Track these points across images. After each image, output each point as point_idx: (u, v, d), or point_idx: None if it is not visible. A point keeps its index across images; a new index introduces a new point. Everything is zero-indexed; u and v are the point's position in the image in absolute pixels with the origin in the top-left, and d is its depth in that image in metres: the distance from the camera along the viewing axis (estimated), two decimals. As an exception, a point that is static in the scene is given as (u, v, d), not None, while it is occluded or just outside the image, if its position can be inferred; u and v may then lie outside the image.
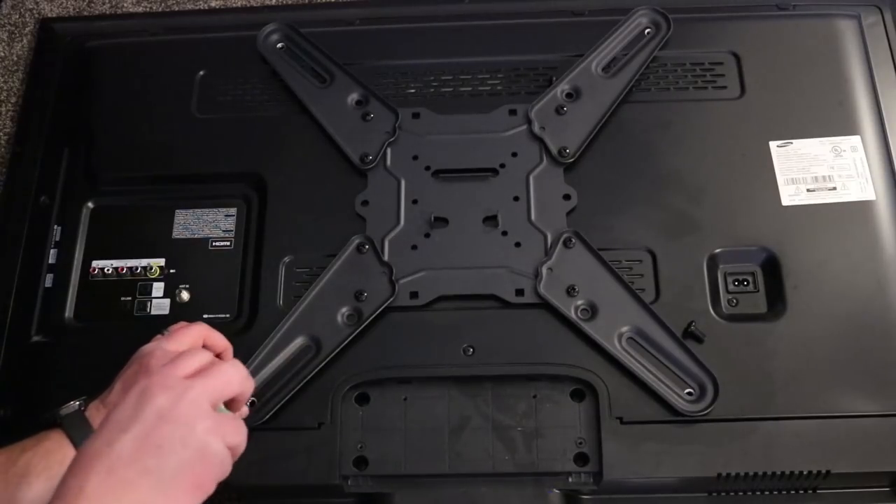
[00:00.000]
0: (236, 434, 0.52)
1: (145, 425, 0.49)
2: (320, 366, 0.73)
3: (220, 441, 0.50)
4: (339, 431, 0.71)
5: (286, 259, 0.79)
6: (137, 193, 0.85)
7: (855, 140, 0.82)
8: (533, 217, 0.79)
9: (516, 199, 0.80)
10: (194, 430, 0.50)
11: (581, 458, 0.70)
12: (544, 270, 0.76)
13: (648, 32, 0.88)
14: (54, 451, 0.58)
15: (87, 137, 0.88)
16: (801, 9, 0.90)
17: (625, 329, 0.74)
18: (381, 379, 0.73)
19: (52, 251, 0.82)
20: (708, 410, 0.70)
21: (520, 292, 0.76)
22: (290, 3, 1.01)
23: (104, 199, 0.84)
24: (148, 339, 0.62)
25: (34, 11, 1.02)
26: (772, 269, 0.77)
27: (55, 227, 0.83)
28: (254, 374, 0.72)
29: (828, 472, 0.68)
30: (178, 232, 0.82)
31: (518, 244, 0.78)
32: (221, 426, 0.51)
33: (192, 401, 0.51)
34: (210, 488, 0.50)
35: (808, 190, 0.80)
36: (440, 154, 0.83)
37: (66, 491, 0.45)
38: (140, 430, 0.49)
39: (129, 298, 0.79)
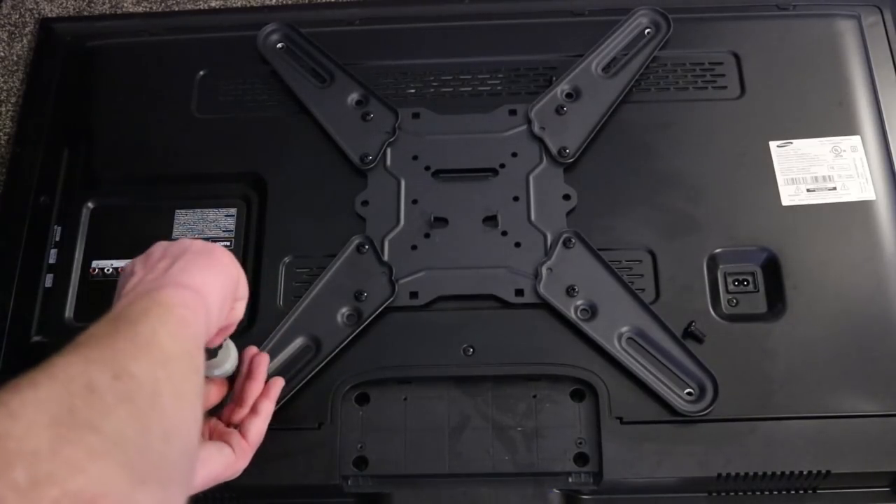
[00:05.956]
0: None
1: (154, 254, 0.56)
2: (320, 366, 0.73)
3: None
4: (339, 431, 0.71)
5: (286, 259, 0.79)
6: (137, 193, 0.85)
7: (855, 140, 0.82)
8: (533, 217, 0.79)
9: (516, 199, 0.80)
10: (186, 240, 0.57)
11: (581, 458, 0.70)
12: (544, 270, 0.76)
13: (648, 32, 0.88)
14: None
15: (87, 137, 0.88)
16: (801, 9, 0.90)
17: (625, 329, 0.74)
18: (381, 379, 0.73)
19: (52, 251, 0.82)
20: (708, 410, 0.70)
21: (519, 292, 0.76)
22: (290, 3, 1.01)
23: (104, 199, 0.84)
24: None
25: (34, 11, 1.02)
26: (772, 269, 0.77)
27: (55, 227, 0.83)
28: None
29: (828, 472, 0.68)
30: (178, 232, 0.82)
31: (518, 244, 0.78)
32: None
33: (168, 242, 0.58)
34: (229, 265, 0.57)
35: (808, 190, 0.80)
36: (440, 154, 0.83)
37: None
38: (143, 266, 0.55)
39: (129, 298, 0.79)
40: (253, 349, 0.68)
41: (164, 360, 0.43)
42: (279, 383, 0.68)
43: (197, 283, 0.52)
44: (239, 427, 0.64)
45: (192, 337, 0.47)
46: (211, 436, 0.64)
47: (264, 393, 0.66)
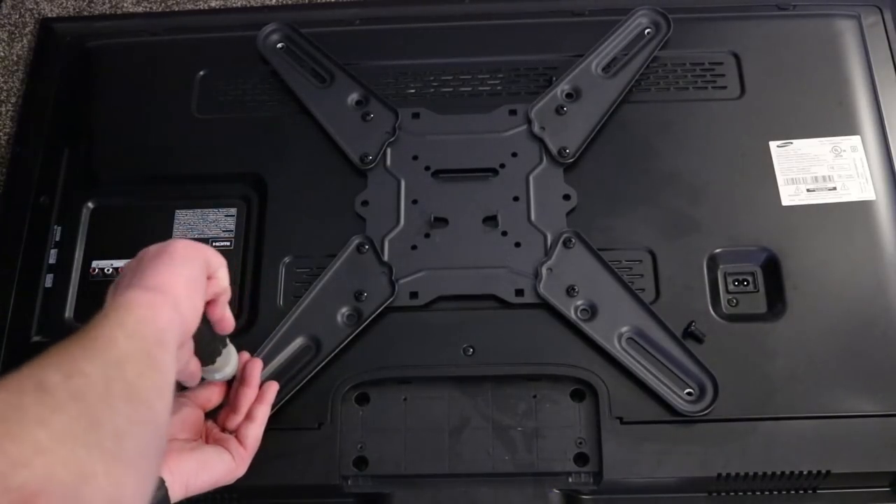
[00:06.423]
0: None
1: (122, 272, 0.56)
2: (320, 366, 0.73)
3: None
4: (339, 431, 0.71)
5: (286, 259, 0.79)
6: (137, 193, 0.85)
7: (855, 140, 0.82)
8: (533, 217, 0.79)
9: (516, 199, 0.80)
10: (157, 245, 0.56)
11: (581, 458, 0.70)
12: (544, 270, 0.76)
13: (648, 32, 0.88)
14: None
15: (87, 137, 0.88)
16: (801, 9, 0.90)
17: (625, 329, 0.74)
18: (381, 379, 0.73)
19: (52, 251, 0.82)
20: (708, 410, 0.70)
21: (520, 292, 0.76)
22: (290, 3, 1.01)
23: (104, 199, 0.84)
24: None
25: (34, 11, 1.02)
26: (772, 269, 0.77)
27: (55, 227, 0.83)
28: (254, 374, 0.72)
29: (828, 472, 0.68)
30: (178, 232, 0.82)
31: (518, 244, 0.78)
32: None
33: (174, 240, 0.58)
34: (183, 252, 0.55)
35: (808, 190, 0.80)
36: (440, 154, 0.83)
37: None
38: (122, 276, 0.54)
39: (129, 298, 0.79)
40: (245, 355, 0.68)
41: (118, 360, 0.43)
42: (273, 388, 0.68)
43: (156, 282, 0.52)
44: (235, 433, 0.64)
45: (153, 334, 0.47)
46: (207, 441, 0.64)
47: (259, 398, 0.66)
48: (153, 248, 0.57)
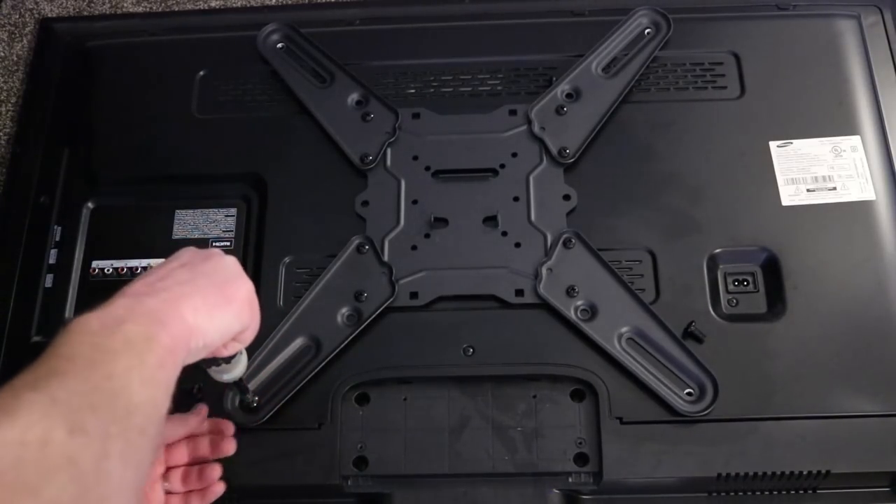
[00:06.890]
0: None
1: (182, 257, 0.54)
2: (320, 366, 0.73)
3: (246, 276, 0.56)
4: (339, 431, 0.71)
5: (286, 259, 0.79)
6: (137, 193, 0.85)
7: (855, 140, 0.82)
8: (533, 217, 0.79)
9: (516, 199, 0.80)
10: (223, 258, 0.55)
11: (581, 459, 0.70)
12: (544, 271, 0.76)
13: (648, 33, 0.88)
14: None
15: (87, 137, 0.88)
16: (801, 9, 0.90)
17: (625, 329, 0.74)
18: (381, 379, 0.73)
19: (52, 251, 0.82)
20: (708, 411, 0.70)
21: (520, 292, 0.76)
22: (290, 3, 1.01)
23: (104, 199, 0.84)
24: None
25: (34, 11, 1.02)
26: (772, 269, 0.77)
27: (55, 227, 0.83)
28: (254, 374, 0.72)
29: (828, 472, 0.68)
30: (178, 232, 0.82)
31: (518, 244, 0.78)
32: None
33: (214, 250, 0.56)
34: (242, 305, 0.54)
35: (808, 190, 0.80)
36: (440, 154, 0.83)
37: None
38: (167, 267, 0.53)
39: (129, 298, 0.79)
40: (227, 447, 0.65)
41: (126, 414, 0.42)
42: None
43: (196, 322, 0.50)
44: None
45: (165, 382, 0.46)
46: (166, 477, 0.63)
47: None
48: (229, 269, 0.55)
